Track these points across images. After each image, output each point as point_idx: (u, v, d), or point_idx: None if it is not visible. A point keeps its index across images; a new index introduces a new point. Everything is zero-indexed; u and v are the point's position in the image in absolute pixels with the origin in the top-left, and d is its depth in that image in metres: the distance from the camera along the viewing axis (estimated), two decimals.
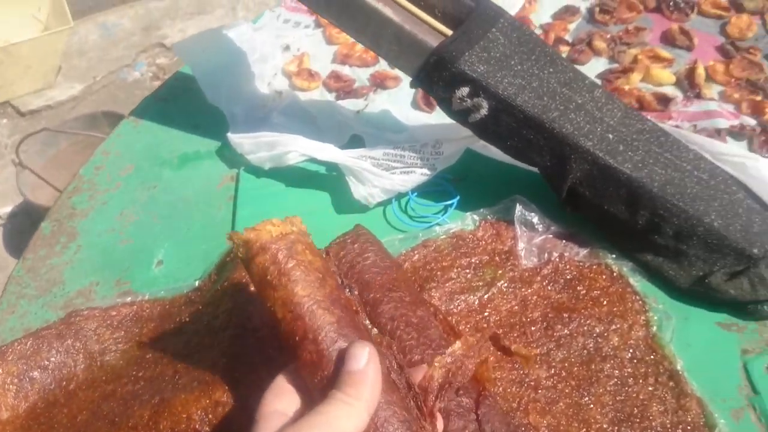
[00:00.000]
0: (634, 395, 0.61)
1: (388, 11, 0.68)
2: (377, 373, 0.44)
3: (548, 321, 0.66)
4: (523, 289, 0.68)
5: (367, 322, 0.55)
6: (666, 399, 0.60)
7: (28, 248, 0.83)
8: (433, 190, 0.80)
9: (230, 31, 0.97)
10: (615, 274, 0.69)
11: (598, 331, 0.64)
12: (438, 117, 0.85)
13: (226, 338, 0.65)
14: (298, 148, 0.79)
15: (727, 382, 0.61)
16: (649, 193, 0.65)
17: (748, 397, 0.60)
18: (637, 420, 0.59)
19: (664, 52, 0.89)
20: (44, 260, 0.81)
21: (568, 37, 0.96)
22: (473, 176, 0.81)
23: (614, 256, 0.70)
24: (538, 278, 0.69)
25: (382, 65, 0.98)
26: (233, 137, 0.84)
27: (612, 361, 0.62)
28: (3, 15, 2.44)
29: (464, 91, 0.68)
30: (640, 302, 0.67)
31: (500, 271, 0.70)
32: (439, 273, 0.70)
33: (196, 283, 0.74)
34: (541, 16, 1.01)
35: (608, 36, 0.93)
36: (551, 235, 0.71)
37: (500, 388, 0.61)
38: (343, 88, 0.94)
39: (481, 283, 0.69)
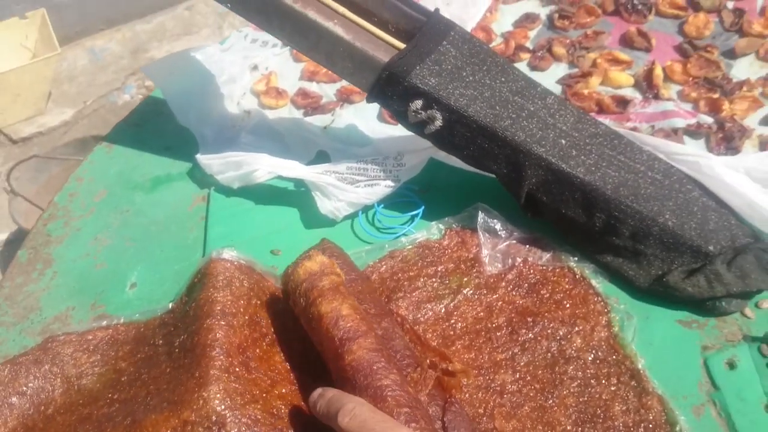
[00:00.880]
0: (597, 396, 0.61)
1: (338, 29, 0.69)
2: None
3: (513, 326, 0.67)
4: (488, 296, 0.69)
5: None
6: (628, 398, 0.61)
7: (6, 276, 0.84)
8: (398, 201, 0.81)
9: (198, 53, 0.98)
10: (578, 276, 0.70)
11: (561, 333, 0.65)
12: (403, 129, 0.86)
13: (193, 358, 0.66)
14: (265, 166, 0.80)
15: (688, 379, 0.62)
16: (603, 196, 0.66)
17: (708, 393, 0.60)
18: (600, 420, 0.60)
19: (623, 55, 0.90)
20: (21, 287, 0.82)
21: (528, 44, 0.97)
22: (438, 186, 0.82)
23: (576, 258, 0.71)
24: (503, 284, 0.70)
25: None
26: (202, 158, 0.85)
27: (575, 363, 0.63)
28: None
29: (418, 104, 0.69)
30: (602, 303, 0.68)
31: (466, 279, 0.71)
32: (406, 283, 0.71)
33: (170, 305, 0.75)
34: (502, 25, 1.02)
35: (568, 41, 0.94)
36: (515, 241, 0.73)
37: (467, 395, 0.62)
38: (310, 104, 0.96)
39: (447, 291, 0.70)
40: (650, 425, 0.59)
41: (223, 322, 0.66)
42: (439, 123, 0.70)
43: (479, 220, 0.74)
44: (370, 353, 0.53)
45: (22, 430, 0.69)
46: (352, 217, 0.81)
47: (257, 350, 0.65)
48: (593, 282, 0.69)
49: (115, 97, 2.73)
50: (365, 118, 0.92)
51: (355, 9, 0.73)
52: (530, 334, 0.66)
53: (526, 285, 0.70)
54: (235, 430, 0.58)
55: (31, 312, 0.79)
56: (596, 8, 0.98)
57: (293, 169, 0.79)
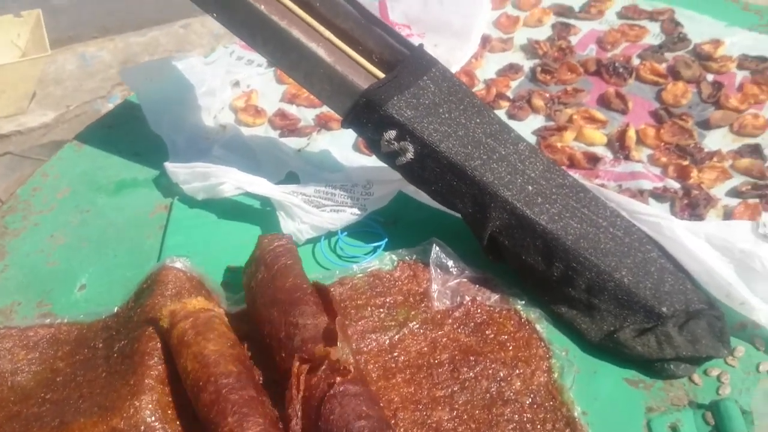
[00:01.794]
0: None
1: (321, 51, 0.70)
2: None
3: (455, 363, 0.66)
4: (433, 331, 0.69)
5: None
6: None
7: None
8: (363, 231, 0.81)
9: (180, 63, 0.98)
10: (523, 319, 0.70)
11: (502, 375, 0.65)
12: (376, 160, 0.86)
13: (130, 365, 0.64)
14: (232, 181, 0.80)
15: None
16: (563, 246, 0.66)
17: None
18: None
19: (599, 114, 0.91)
20: None
21: (509, 93, 0.98)
22: (405, 220, 0.82)
23: (523, 302, 0.71)
24: (449, 320, 0.70)
25: None
26: (169, 166, 0.85)
27: (513, 405, 0.63)
28: None
29: (392, 134, 0.69)
30: (545, 348, 0.67)
31: (413, 312, 0.70)
32: (353, 311, 0.70)
33: (115, 309, 0.74)
34: (486, 72, 1.03)
35: (547, 95, 0.95)
36: (465, 279, 0.72)
37: (402, 430, 0.61)
38: (287, 126, 0.96)
39: (393, 323, 0.69)
40: None
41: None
42: (410, 155, 0.70)
43: (432, 255, 0.73)
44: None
45: None
46: (314, 241, 0.80)
47: None
48: (537, 327, 0.69)
49: (98, 105, 2.71)
50: (340, 146, 0.92)
51: (341, 35, 0.74)
52: (471, 373, 0.65)
53: (473, 324, 0.70)
54: None
55: None
56: (578, 67, 0.99)
57: (260, 186, 0.79)
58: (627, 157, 0.85)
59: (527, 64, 1.03)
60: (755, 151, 0.84)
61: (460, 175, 0.69)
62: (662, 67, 0.98)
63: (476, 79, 1.01)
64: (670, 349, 0.63)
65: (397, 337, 0.68)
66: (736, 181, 0.81)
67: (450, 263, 0.73)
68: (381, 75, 0.73)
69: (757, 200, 0.78)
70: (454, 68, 1.02)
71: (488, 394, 0.63)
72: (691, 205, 0.77)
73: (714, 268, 0.67)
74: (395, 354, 0.67)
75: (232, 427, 0.54)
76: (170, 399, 0.61)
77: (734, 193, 0.80)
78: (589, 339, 0.68)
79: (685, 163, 0.83)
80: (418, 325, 0.69)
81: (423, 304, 0.71)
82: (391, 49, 0.74)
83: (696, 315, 0.65)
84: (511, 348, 0.67)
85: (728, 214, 0.77)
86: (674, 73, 0.97)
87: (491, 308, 0.70)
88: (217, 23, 0.72)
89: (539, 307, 0.70)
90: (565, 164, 0.84)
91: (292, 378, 0.55)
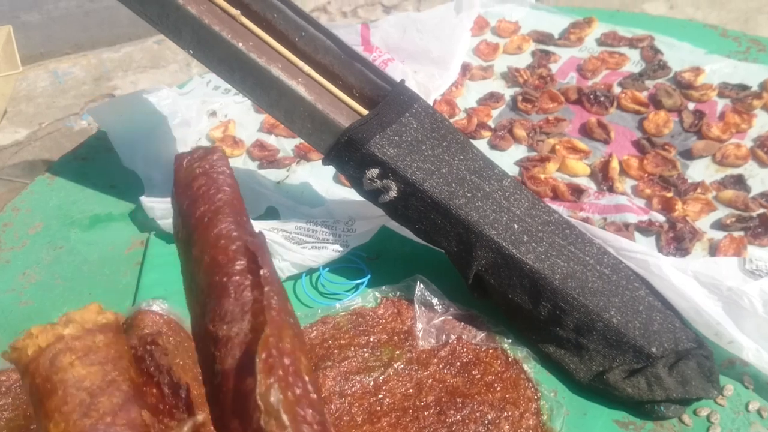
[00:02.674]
0: None
1: (301, 89, 0.68)
2: None
3: (442, 406, 0.64)
4: (419, 372, 0.67)
5: None
6: None
7: None
8: (345, 267, 0.79)
9: (150, 96, 0.96)
10: (510, 359, 0.68)
11: (490, 417, 0.63)
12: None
13: None
14: None
15: None
16: (551, 286, 0.65)
17: None
18: None
19: (581, 144, 0.90)
20: None
21: (491, 123, 0.97)
22: (388, 255, 0.80)
23: (510, 340, 0.69)
24: (435, 360, 0.68)
25: None
26: (146, 201, 0.82)
27: None
28: None
29: (374, 172, 0.68)
30: (533, 389, 0.66)
31: (398, 352, 0.69)
32: (336, 351, 0.68)
33: None
34: (467, 100, 1.02)
35: (529, 124, 0.95)
36: (450, 317, 0.71)
37: None
38: (266, 157, 0.94)
39: (377, 364, 0.68)
40: None
41: None
42: (393, 194, 0.68)
43: (417, 292, 0.72)
44: None
45: None
46: (295, 278, 0.78)
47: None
48: (525, 367, 0.68)
49: (71, 122, 2.67)
50: (321, 177, 0.90)
51: (320, 70, 0.72)
52: (458, 416, 0.64)
53: (459, 364, 0.68)
54: None
55: None
56: (559, 95, 0.99)
57: None
58: (611, 189, 0.84)
59: (508, 93, 1.02)
60: (738, 181, 0.84)
61: (444, 214, 0.67)
62: (643, 96, 0.98)
63: (457, 108, 1.00)
64: (660, 391, 0.63)
65: (381, 378, 0.66)
66: (721, 213, 0.81)
67: (435, 300, 0.71)
68: (362, 110, 0.71)
69: (741, 233, 0.78)
70: (434, 96, 1.01)
71: None
72: (677, 238, 0.76)
73: (702, 306, 0.66)
74: (380, 396, 0.65)
75: None
76: None
77: (719, 225, 0.79)
78: (579, 379, 0.66)
79: (669, 194, 0.82)
80: (403, 366, 0.67)
81: (408, 343, 0.69)
82: (372, 84, 0.72)
83: (685, 355, 0.64)
84: (498, 389, 0.65)
85: (714, 248, 0.77)
86: (656, 102, 0.97)
87: (477, 347, 0.69)
88: None
89: (526, 346, 0.69)
90: (549, 196, 0.84)
91: None
